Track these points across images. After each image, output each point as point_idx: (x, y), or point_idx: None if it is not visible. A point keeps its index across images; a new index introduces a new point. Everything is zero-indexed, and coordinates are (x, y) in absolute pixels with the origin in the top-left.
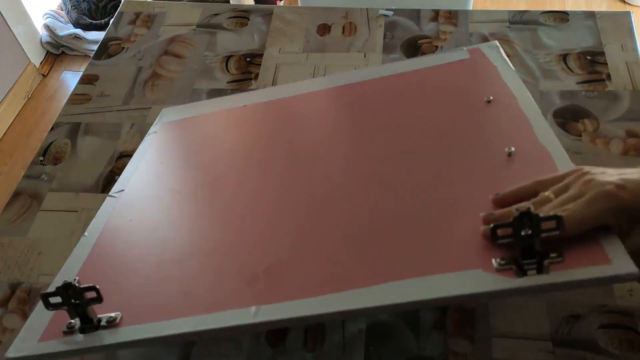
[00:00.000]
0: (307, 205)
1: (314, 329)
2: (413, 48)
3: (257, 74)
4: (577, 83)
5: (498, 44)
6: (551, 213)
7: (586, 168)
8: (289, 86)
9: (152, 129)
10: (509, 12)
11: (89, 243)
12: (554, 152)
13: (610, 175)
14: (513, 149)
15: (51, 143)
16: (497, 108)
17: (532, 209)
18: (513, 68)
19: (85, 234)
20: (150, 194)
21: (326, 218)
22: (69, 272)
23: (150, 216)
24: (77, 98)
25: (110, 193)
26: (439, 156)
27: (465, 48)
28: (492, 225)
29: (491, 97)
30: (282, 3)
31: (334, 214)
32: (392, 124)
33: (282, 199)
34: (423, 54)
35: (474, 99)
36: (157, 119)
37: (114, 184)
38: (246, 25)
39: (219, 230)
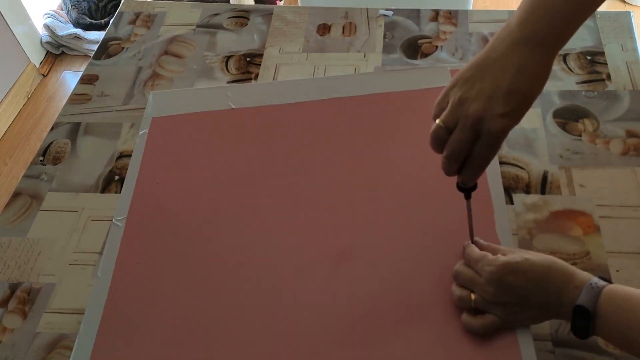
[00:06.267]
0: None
1: None
2: (413, 48)
3: (257, 74)
4: (577, 83)
5: None
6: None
7: None
8: (274, 86)
9: (143, 124)
10: (509, 12)
11: (104, 287)
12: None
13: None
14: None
15: (51, 143)
16: None
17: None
18: None
19: (98, 274)
20: (151, 223)
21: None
22: (91, 326)
23: (153, 265)
24: (77, 98)
25: (114, 219)
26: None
27: (449, 67)
28: None
29: None
30: (282, 3)
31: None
32: (349, 165)
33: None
34: (423, 54)
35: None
36: (147, 105)
37: (113, 184)
38: (246, 25)
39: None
